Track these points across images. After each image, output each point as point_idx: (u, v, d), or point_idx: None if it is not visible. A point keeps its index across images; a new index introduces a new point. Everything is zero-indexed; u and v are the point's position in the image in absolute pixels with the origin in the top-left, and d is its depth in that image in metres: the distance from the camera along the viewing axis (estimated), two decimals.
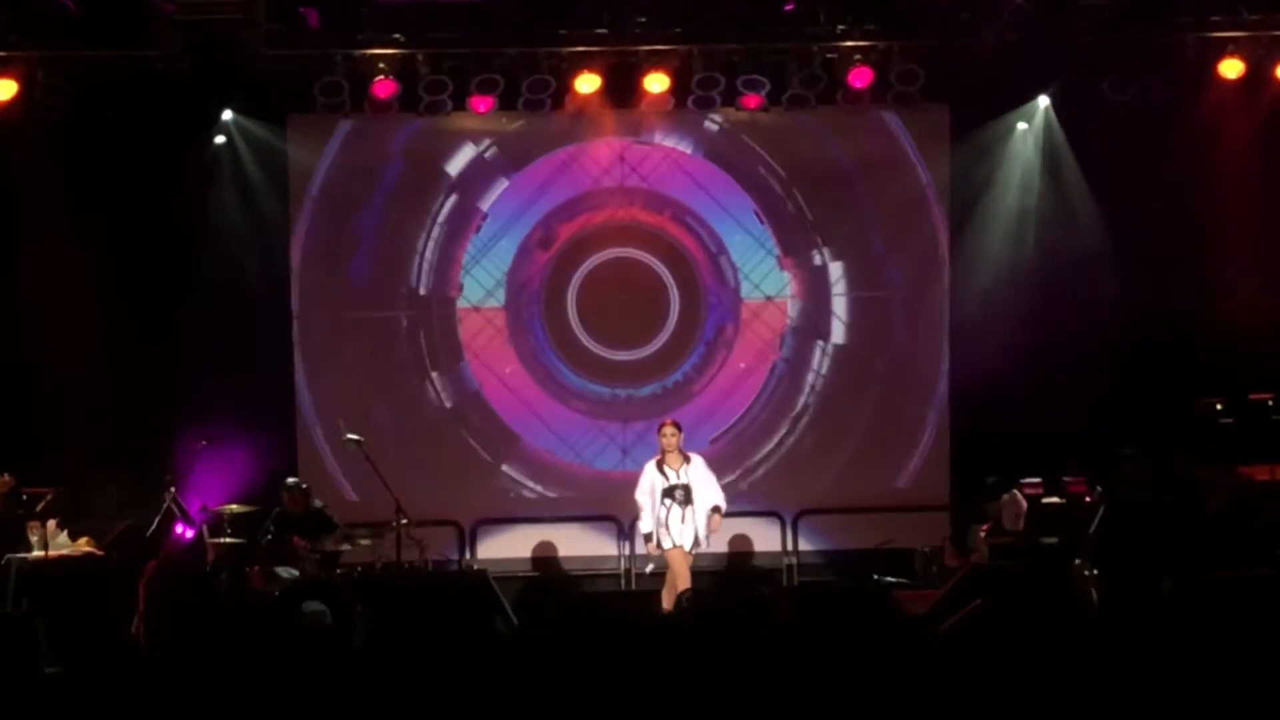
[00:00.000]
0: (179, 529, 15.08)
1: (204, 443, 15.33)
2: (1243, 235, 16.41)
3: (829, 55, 15.93)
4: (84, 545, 14.54)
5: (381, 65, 15.63)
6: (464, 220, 17.06)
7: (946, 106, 16.79)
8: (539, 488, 17.10)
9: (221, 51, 15.34)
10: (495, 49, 15.73)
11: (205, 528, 14.90)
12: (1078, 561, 13.39)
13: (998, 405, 16.51)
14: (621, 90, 16.18)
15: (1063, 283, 16.92)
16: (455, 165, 17.03)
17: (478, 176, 17.06)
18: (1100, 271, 16.75)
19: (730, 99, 16.16)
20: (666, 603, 13.75)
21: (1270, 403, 15.66)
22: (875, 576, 15.05)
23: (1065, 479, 15.72)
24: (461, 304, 17.10)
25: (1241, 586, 9.60)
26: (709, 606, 11.02)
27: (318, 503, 15.28)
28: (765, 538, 16.79)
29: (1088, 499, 15.36)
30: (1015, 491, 15.50)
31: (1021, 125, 17.03)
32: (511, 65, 15.77)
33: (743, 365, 17.21)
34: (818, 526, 16.95)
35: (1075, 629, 8.29)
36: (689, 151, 17.12)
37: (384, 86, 15.64)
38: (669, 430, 14.19)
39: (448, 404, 17.08)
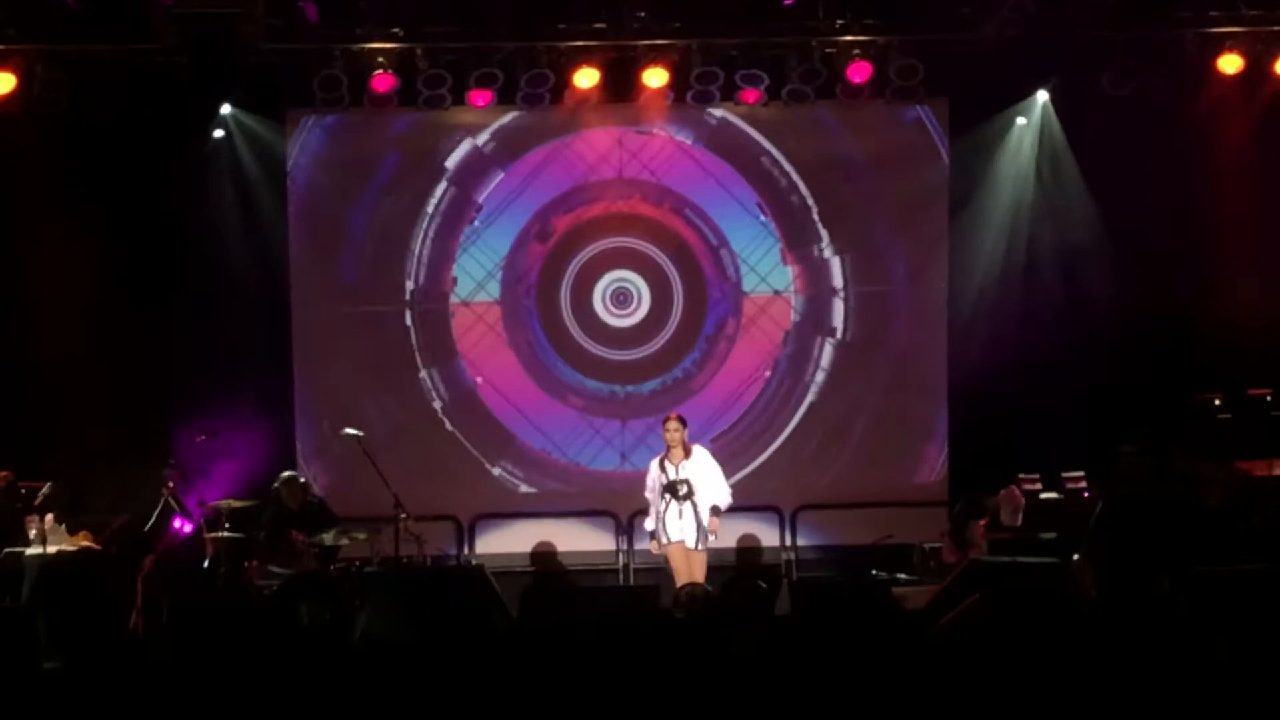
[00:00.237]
0: (177, 523, 15.09)
1: (202, 437, 15.33)
2: (1241, 230, 16.41)
3: (828, 50, 15.93)
4: (82, 540, 14.54)
5: (380, 59, 15.62)
6: (459, 213, 17.02)
7: (946, 101, 16.78)
8: (534, 487, 17.08)
9: (220, 46, 15.32)
10: (494, 43, 15.73)
11: (203, 522, 14.90)
12: (1076, 557, 13.38)
13: (996, 401, 16.51)
14: (620, 85, 16.17)
15: (1061, 278, 16.93)
16: (451, 159, 16.99)
17: (473, 169, 17.02)
18: (1098, 267, 16.75)
19: (729, 94, 16.15)
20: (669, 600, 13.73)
21: (1269, 398, 15.68)
22: (874, 572, 15.06)
23: (1063, 475, 15.74)
24: (454, 299, 17.07)
25: (1240, 582, 9.61)
26: (706, 603, 11.00)
27: (316, 497, 15.28)
28: (764, 533, 16.79)
29: (1086, 495, 15.38)
30: (1013, 487, 15.51)
31: (1020, 120, 17.02)
32: (510, 60, 15.76)
33: (744, 361, 17.19)
34: (816, 522, 16.94)
35: (1074, 625, 8.29)
36: (689, 142, 17.07)
37: (382, 81, 15.63)
38: (672, 425, 14.12)
39: (444, 398, 17.05)
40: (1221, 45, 15.84)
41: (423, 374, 17.06)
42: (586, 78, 15.84)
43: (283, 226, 16.77)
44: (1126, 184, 16.47)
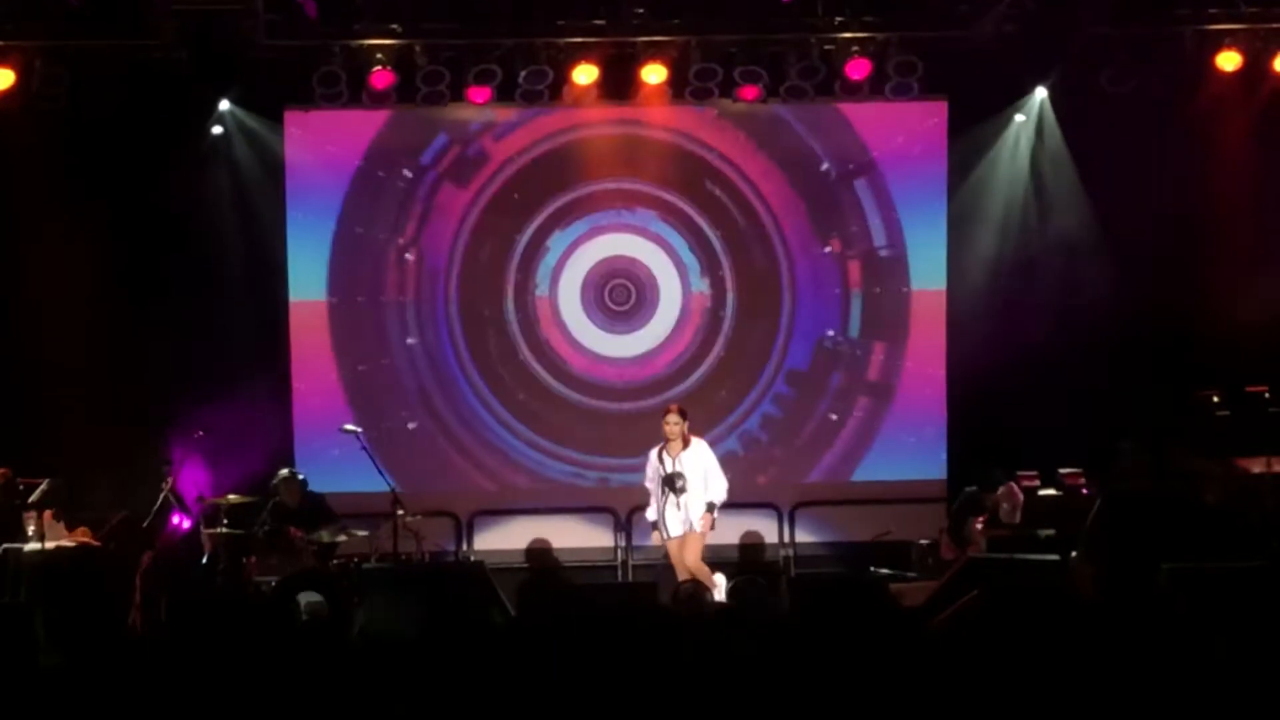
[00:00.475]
0: (176, 520, 15.09)
1: (200, 433, 15.33)
2: (1240, 228, 16.41)
3: (827, 47, 15.94)
4: (81, 536, 14.54)
5: (379, 55, 15.63)
6: (454, 206, 17.00)
7: (945, 98, 16.77)
8: (533, 484, 17.10)
9: (219, 42, 15.34)
10: (492, 40, 15.74)
11: (202, 518, 14.90)
12: (1074, 554, 13.39)
13: (995, 397, 16.51)
14: (619, 82, 16.17)
15: (1059, 275, 16.94)
16: (448, 154, 16.97)
17: (469, 163, 17.00)
18: (1097, 264, 16.75)
19: (728, 90, 16.15)
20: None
21: (1267, 395, 15.67)
22: (872, 569, 15.06)
23: (1062, 471, 15.74)
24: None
25: (1237, 578, 9.63)
26: (703, 601, 11.01)
27: (314, 493, 15.27)
28: (762, 530, 16.78)
29: (1085, 492, 15.38)
30: (1012, 484, 15.51)
31: (1019, 117, 17.02)
32: (509, 56, 15.77)
33: (732, 359, 17.17)
34: (814, 519, 16.95)
35: (1072, 622, 8.29)
36: (688, 135, 17.05)
37: (381, 77, 15.65)
38: (672, 418, 14.09)
39: (443, 394, 17.06)
40: (1220, 42, 15.85)
41: (426, 365, 17.07)
42: (585, 74, 15.85)
43: (281, 222, 16.77)
44: (1125, 181, 16.47)
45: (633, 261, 17.14)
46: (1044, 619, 8.11)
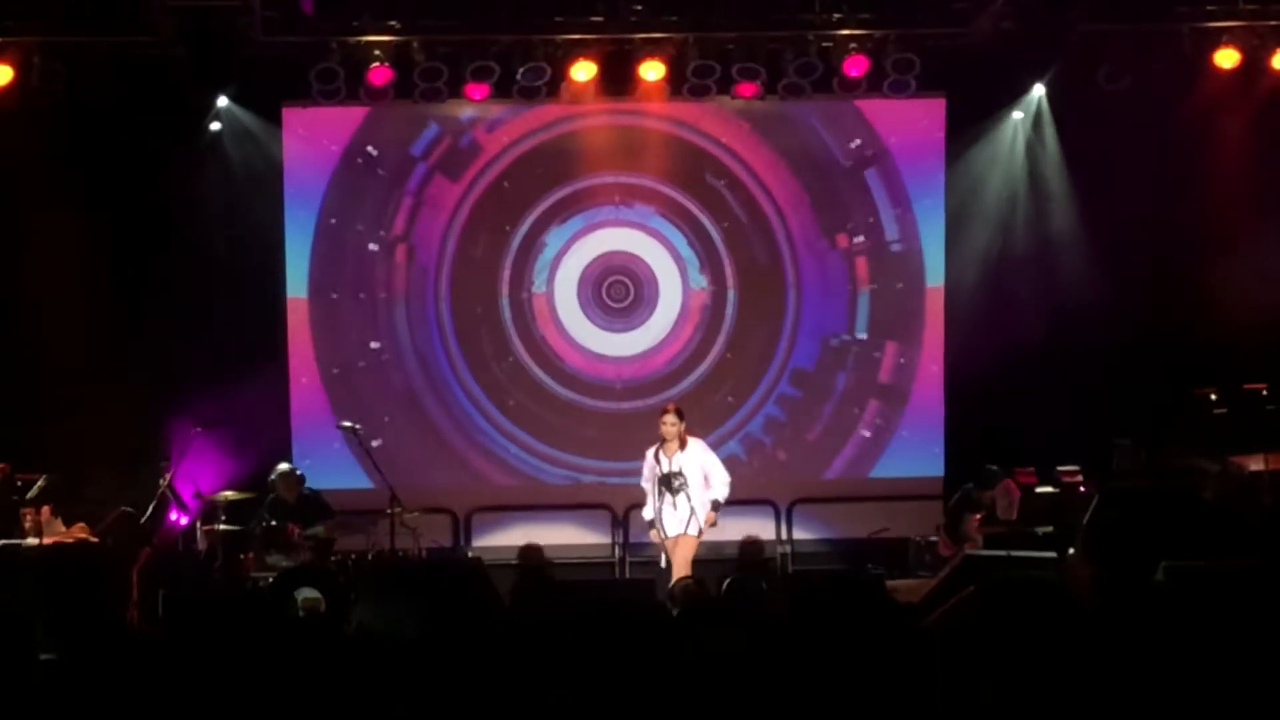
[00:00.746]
0: (173, 515, 15.09)
1: (198, 428, 15.33)
2: (1238, 225, 16.42)
3: (825, 44, 15.94)
4: (78, 531, 14.53)
5: (376, 52, 15.63)
6: (450, 200, 16.99)
7: (942, 95, 16.77)
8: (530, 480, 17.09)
9: (217, 38, 15.33)
10: (490, 36, 15.74)
11: (199, 514, 14.90)
12: (1071, 551, 13.39)
13: (992, 395, 16.52)
14: (617, 78, 16.17)
15: (1057, 272, 16.94)
16: (444, 149, 16.96)
17: (466, 157, 16.99)
18: (1094, 261, 16.75)
19: (725, 87, 16.15)
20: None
21: (1264, 393, 15.67)
22: (870, 566, 15.06)
23: (1059, 469, 15.73)
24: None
25: (1234, 576, 9.61)
26: (700, 598, 11.02)
27: (311, 489, 15.27)
28: (759, 527, 16.77)
29: (1082, 489, 15.37)
30: (1009, 481, 15.51)
31: (1017, 114, 17.03)
32: (507, 53, 15.77)
33: (732, 358, 17.17)
34: (811, 516, 16.95)
35: (1068, 618, 8.30)
36: (688, 125, 17.03)
37: (379, 73, 15.65)
38: (669, 418, 14.07)
39: (440, 390, 17.06)
40: (1218, 40, 15.85)
41: (423, 361, 17.07)
42: (583, 71, 15.86)
43: (278, 218, 16.76)
44: (1122, 178, 16.47)
45: (631, 257, 17.13)
46: (1040, 616, 8.13)
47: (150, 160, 16.08)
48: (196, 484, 15.20)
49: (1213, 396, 15.82)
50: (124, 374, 15.99)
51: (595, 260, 17.11)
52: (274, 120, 16.63)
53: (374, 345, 16.90)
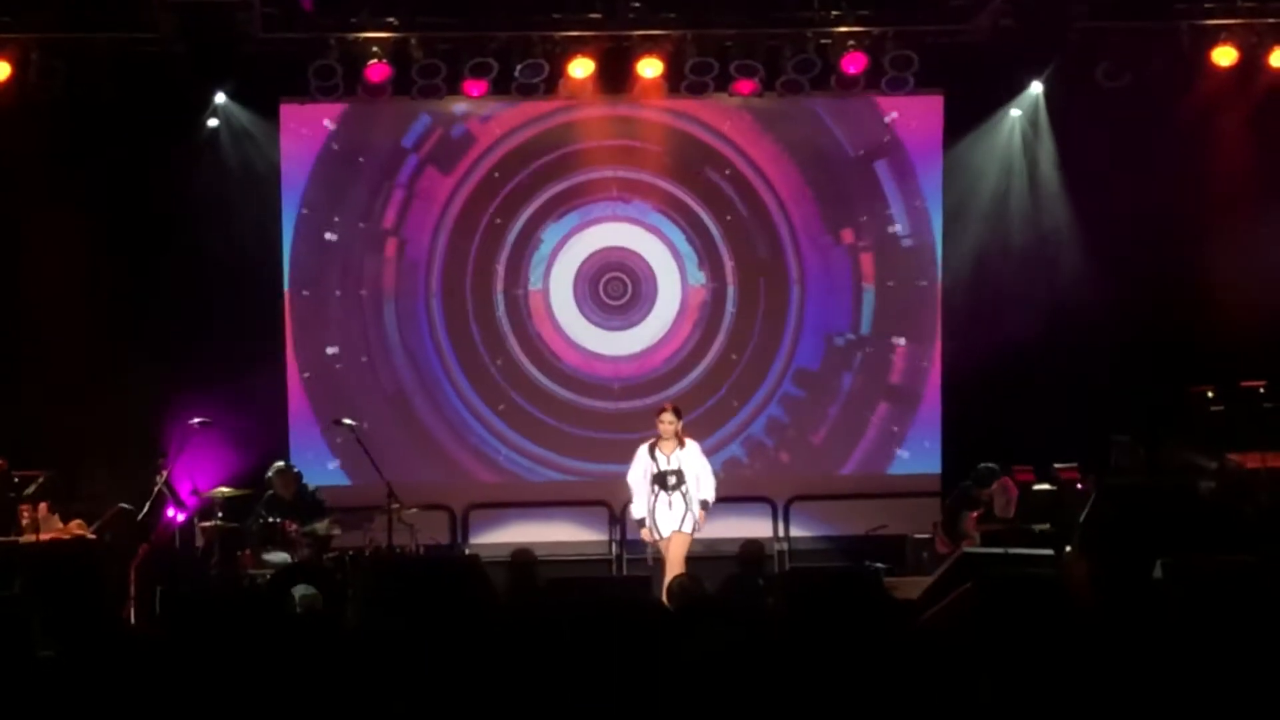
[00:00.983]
0: (170, 512, 15.08)
1: (196, 425, 15.32)
2: (1235, 222, 16.42)
3: (823, 41, 15.95)
4: (75, 528, 14.53)
5: (375, 49, 15.65)
6: (442, 193, 16.98)
7: (940, 93, 16.77)
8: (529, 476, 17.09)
9: (215, 35, 15.34)
10: (488, 33, 15.74)
11: (196, 511, 14.90)
12: (1068, 549, 13.39)
13: (989, 392, 16.52)
14: (615, 75, 16.17)
15: (1055, 269, 16.94)
16: (443, 146, 16.95)
17: (459, 149, 16.97)
18: (1092, 258, 16.76)
19: (723, 85, 16.15)
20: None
21: (1261, 390, 15.69)
22: (867, 563, 15.05)
23: (1056, 466, 15.74)
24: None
25: (1230, 573, 9.62)
26: (698, 595, 11.01)
27: (309, 486, 15.27)
28: (756, 524, 16.78)
29: (1079, 486, 15.38)
30: (1007, 478, 15.51)
31: (1015, 112, 17.03)
32: (505, 50, 15.78)
33: (734, 356, 17.16)
34: (809, 513, 16.95)
35: (1065, 616, 8.30)
36: (689, 117, 17.00)
37: (377, 70, 15.66)
38: (667, 416, 14.05)
39: (439, 388, 17.05)
40: (1216, 37, 15.86)
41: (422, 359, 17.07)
42: (581, 68, 15.85)
43: (276, 214, 16.76)
44: (1120, 176, 16.47)
45: (629, 253, 17.12)
46: (1037, 613, 8.13)
47: (148, 157, 16.08)
48: (194, 481, 15.19)
49: (1210, 394, 15.84)
50: (121, 371, 15.99)
51: (592, 256, 17.10)
52: (272, 117, 16.62)
53: (367, 341, 16.90)
